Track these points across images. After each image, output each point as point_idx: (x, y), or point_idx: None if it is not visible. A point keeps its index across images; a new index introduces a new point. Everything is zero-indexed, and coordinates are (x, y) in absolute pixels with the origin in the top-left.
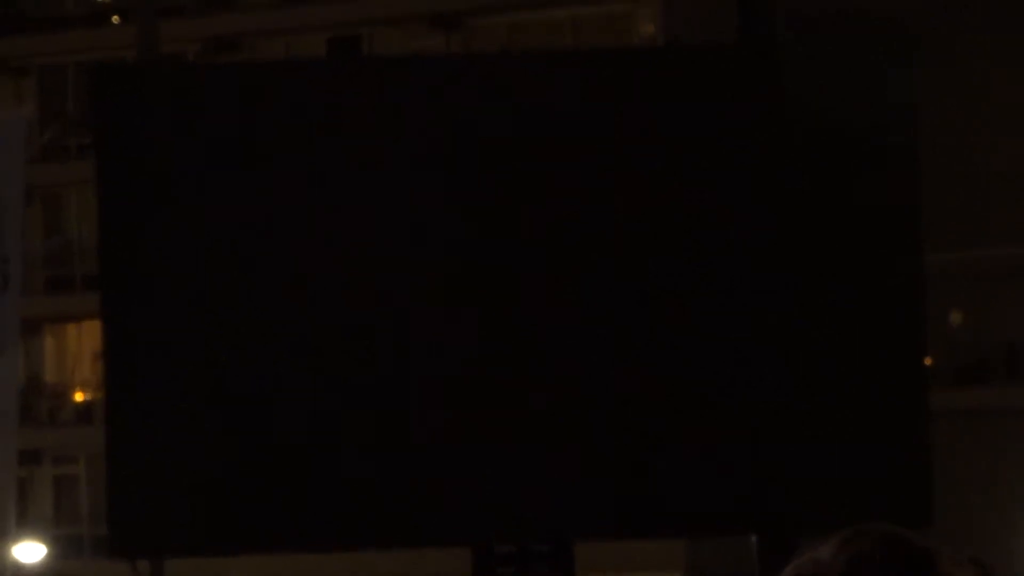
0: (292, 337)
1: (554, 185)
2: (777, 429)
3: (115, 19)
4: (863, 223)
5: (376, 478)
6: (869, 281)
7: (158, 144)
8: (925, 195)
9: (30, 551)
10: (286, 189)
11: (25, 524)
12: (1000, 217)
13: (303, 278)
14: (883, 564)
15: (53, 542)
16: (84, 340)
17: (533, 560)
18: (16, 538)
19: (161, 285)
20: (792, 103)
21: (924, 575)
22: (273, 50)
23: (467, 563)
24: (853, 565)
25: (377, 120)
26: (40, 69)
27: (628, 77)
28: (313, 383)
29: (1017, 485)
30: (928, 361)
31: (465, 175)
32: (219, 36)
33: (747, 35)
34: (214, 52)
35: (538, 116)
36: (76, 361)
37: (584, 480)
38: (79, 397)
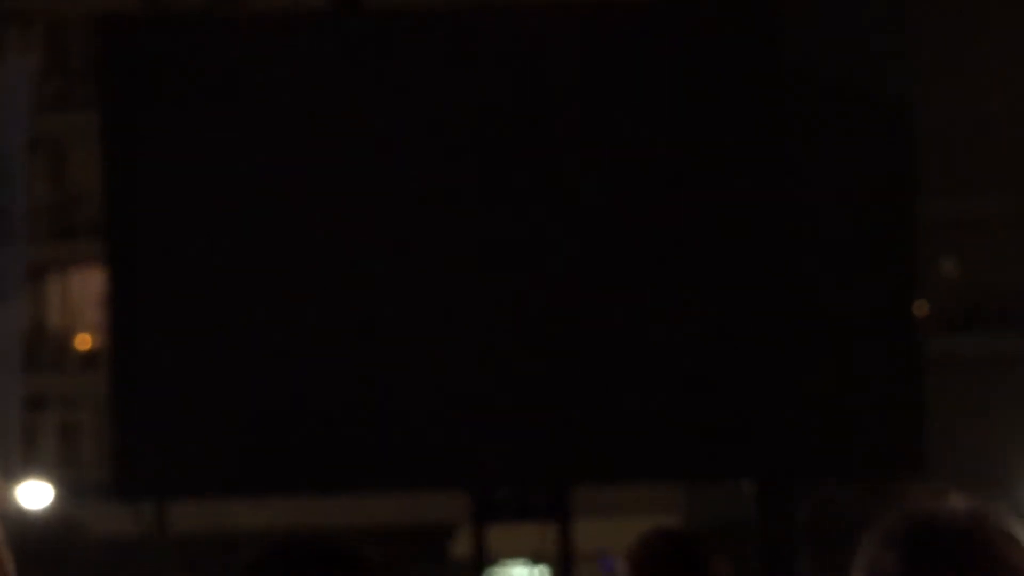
0: (296, 286)
1: (554, 153)
2: (774, 378)
3: None
4: (859, 176)
5: (378, 423)
6: (864, 232)
7: (162, 96)
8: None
9: (37, 492)
10: (287, 139)
11: (30, 469)
12: (995, 165)
13: (305, 226)
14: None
15: (58, 487)
16: (89, 286)
17: (530, 505)
18: (21, 478)
19: (165, 234)
20: (789, 59)
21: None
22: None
23: (465, 511)
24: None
25: (379, 77)
26: (45, 18)
27: (629, 33)
28: (317, 331)
29: (1008, 431)
30: (924, 309)
31: (466, 136)
32: None
33: None
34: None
35: (539, 76)
36: (81, 307)
37: (582, 425)
38: (84, 343)
